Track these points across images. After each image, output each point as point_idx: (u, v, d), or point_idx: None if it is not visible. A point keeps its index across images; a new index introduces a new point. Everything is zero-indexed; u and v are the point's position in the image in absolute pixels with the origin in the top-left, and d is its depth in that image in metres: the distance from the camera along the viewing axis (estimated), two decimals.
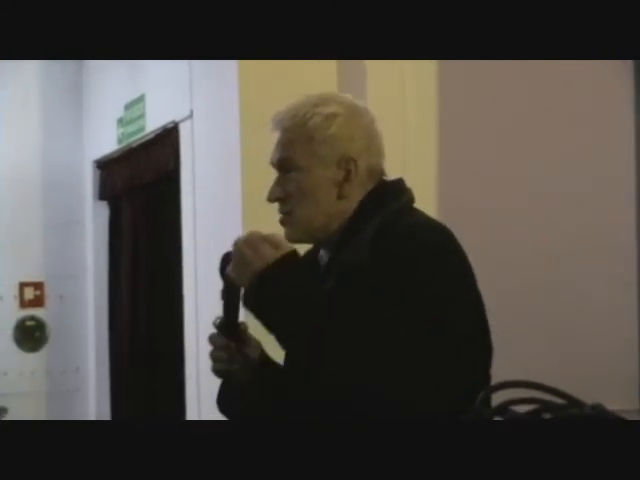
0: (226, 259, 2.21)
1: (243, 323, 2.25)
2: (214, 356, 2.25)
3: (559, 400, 1.53)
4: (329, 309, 2.07)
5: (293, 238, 2.23)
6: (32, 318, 6.98)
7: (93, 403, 6.91)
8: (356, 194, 2.21)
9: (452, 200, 4.35)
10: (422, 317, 2.03)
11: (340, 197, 2.20)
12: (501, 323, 4.33)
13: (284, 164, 2.23)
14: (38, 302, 6.98)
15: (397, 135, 4.32)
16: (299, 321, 2.06)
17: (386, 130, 4.33)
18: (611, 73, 4.51)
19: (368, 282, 2.08)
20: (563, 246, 4.49)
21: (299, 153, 2.20)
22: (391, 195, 2.23)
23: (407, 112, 4.34)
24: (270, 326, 2.09)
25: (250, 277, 2.09)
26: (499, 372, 4.17)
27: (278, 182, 2.24)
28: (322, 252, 2.28)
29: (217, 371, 2.26)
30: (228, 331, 2.21)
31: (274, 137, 2.27)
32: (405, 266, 2.07)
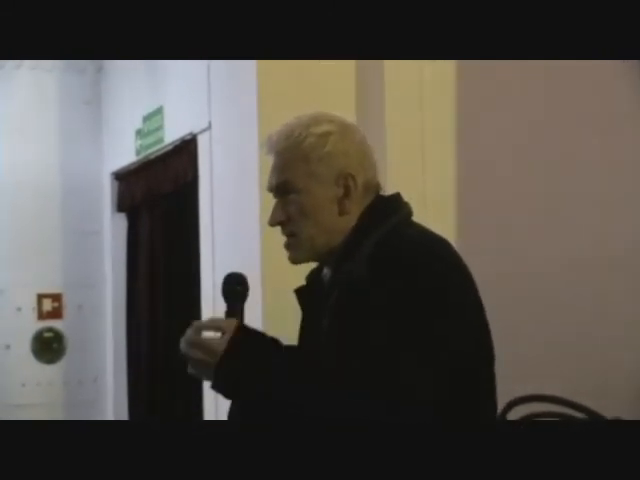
0: (229, 280, 2.22)
1: None
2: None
3: (581, 414, 1.53)
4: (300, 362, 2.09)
5: (299, 260, 2.27)
6: (50, 330, 6.99)
7: (111, 414, 6.90)
8: (355, 209, 2.23)
9: (471, 200, 4.33)
10: (419, 330, 2.03)
11: (341, 213, 2.22)
12: (520, 331, 4.34)
13: (283, 187, 2.24)
14: (56, 314, 6.99)
15: (415, 135, 4.31)
16: (276, 388, 2.06)
17: (404, 130, 4.37)
18: (634, 76, 4.48)
19: (367, 295, 2.09)
20: (583, 253, 4.46)
21: (297, 175, 2.22)
22: (390, 209, 2.25)
23: (425, 112, 4.33)
24: (250, 400, 2.10)
25: (210, 374, 2.09)
26: (518, 380, 4.16)
27: (278, 206, 2.26)
28: (325, 270, 2.30)
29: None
30: None
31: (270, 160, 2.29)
32: (402, 279, 2.08)
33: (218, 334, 2.12)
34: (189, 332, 2.15)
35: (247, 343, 2.09)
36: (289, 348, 2.22)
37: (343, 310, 2.14)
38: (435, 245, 2.19)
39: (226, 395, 2.11)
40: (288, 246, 2.27)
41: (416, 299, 2.06)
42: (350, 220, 2.22)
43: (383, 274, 2.09)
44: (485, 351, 2.18)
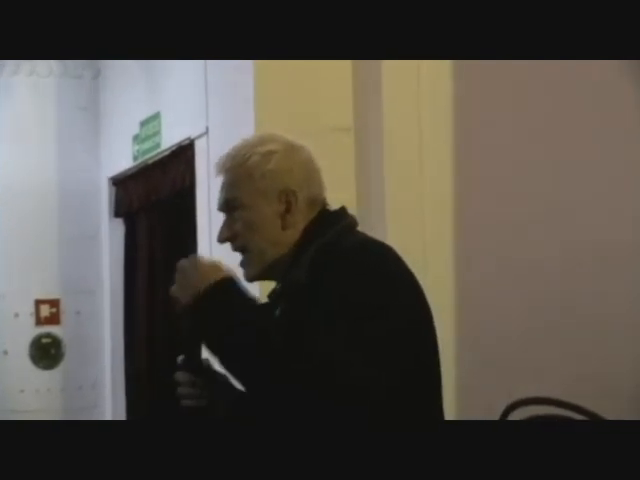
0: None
1: (206, 359, 2.31)
2: (182, 393, 2.33)
3: (581, 417, 1.53)
4: (262, 329, 2.12)
5: (252, 276, 2.35)
6: (48, 335, 6.98)
7: (110, 420, 6.90)
8: (300, 223, 2.32)
9: (468, 200, 4.33)
10: (355, 331, 2.07)
11: (284, 228, 2.31)
12: (519, 333, 4.33)
13: (229, 204, 2.35)
14: (54, 319, 6.99)
15: (413, 135, 4.31)
16: (235, 343, 2.13)
17: (401, 130, 4.36)
18: (633, 76, 4.47)
19: (307, 298, 2.16)
20: (582, 254, 4.45)
21: (241, 191, 2.32)
22: (332, 220, 2.33)
23: (422, 112, 4.33)
24: (208, 343, 2.17)
25: (193, 295, 2.19)
26: (519, 383, 4.16)
27: (226, 223, 2.37)
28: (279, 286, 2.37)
29: (186, 408, 2.33)
30: (192, 368, 2.29)
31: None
32: (339, 282, 2.14)
33: None
34: (192, 257, 2.28)
35: (232, 288, 2.19)
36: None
37: (287, 320, 2.21)
38: (374, 249, 2.26)
39: (196, 325, 2.19)
40: (242, 264, 2.36)
41: (352, 301, 2.11)
42: (294, 234, 2.31)
43: (320, 278, 2.16)
44: (425, 352, 2.22)
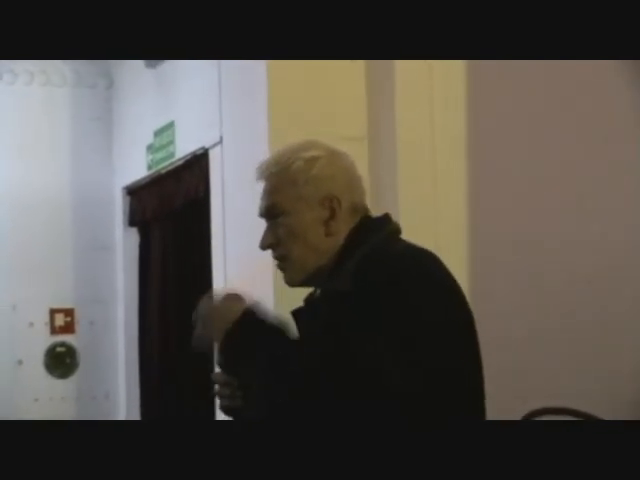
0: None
1: None
2: (219, 393, 2.31)
3: None
4: (294, 349, 2.15)
5: (293, 281, 2.34)
6: (62, 344, 7.00)
7: None
8: (342, 230, 2.31)
9: (483, 209, 4.32)
10: (392, 336, 2.07)
11: (328, 234, 2.30)
12: (532, 343, 4.31)
13: (272, 211, 2.34)
14: (68, 328, 7.01)
15: (425, 136, 4.31)
16: (268, 369, 2.14)
17: (414, 131, 4.35)
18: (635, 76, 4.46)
19: (351, 308, 2.15)
20: (595, 264, 4.44)
21: (285, 198, 2.31)
22: (375, 227, 2.33)
23: (436, 112, 4.33)
24: (242, 375, 2.20)
25: (220, 335, 2.18)
26: (531, 391, 4.13)
27: (269, 229, 2.35)
28: (318, 291, 2.37)
29: (223, 407, 2.31)
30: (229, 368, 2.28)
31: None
32: (384, 291, 2.13)
33: None
34: (208, 296, 2.25)
35: (257, 319, 2.20)
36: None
37: (330, 325, 2.20)
38: (419, 258, 2.25)
39: (231, 362, 2.20)
40: (281, 269, 2.35)
41: (395, 307, 2.10)
42: (337, 241, 2.30)
43: (366, 287, 2.15)
44: (464, 355, 2.21)
